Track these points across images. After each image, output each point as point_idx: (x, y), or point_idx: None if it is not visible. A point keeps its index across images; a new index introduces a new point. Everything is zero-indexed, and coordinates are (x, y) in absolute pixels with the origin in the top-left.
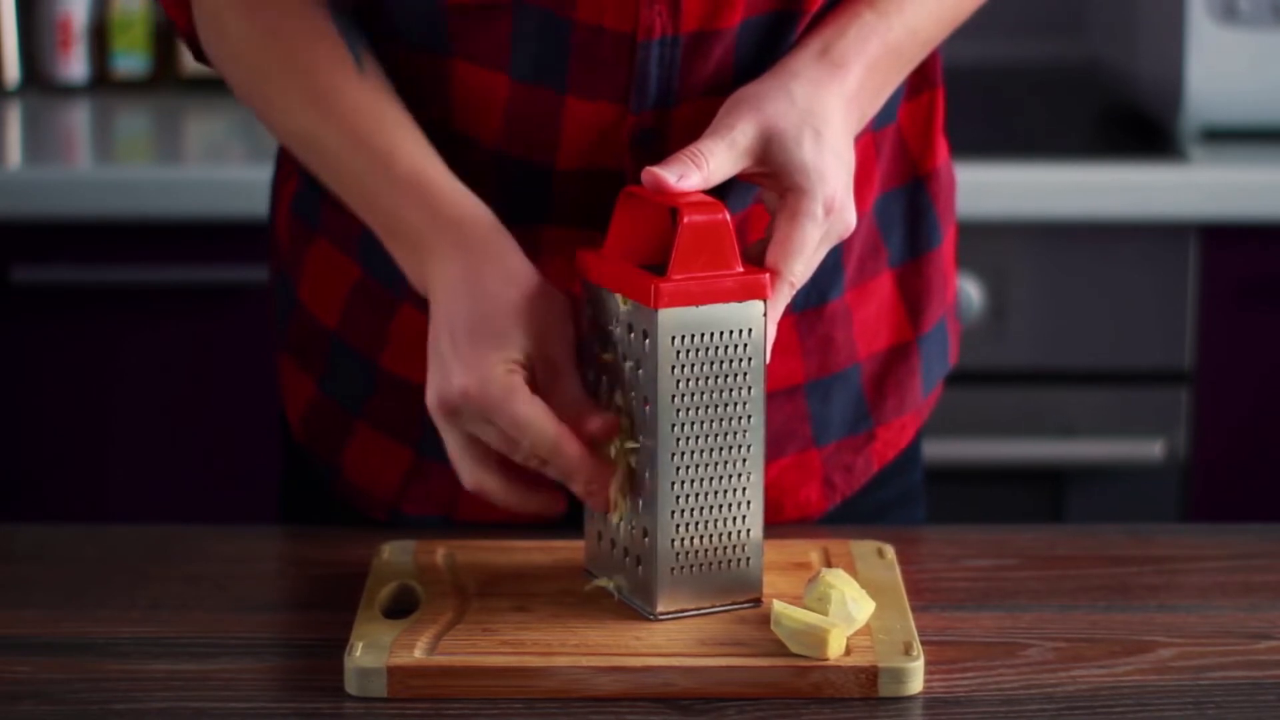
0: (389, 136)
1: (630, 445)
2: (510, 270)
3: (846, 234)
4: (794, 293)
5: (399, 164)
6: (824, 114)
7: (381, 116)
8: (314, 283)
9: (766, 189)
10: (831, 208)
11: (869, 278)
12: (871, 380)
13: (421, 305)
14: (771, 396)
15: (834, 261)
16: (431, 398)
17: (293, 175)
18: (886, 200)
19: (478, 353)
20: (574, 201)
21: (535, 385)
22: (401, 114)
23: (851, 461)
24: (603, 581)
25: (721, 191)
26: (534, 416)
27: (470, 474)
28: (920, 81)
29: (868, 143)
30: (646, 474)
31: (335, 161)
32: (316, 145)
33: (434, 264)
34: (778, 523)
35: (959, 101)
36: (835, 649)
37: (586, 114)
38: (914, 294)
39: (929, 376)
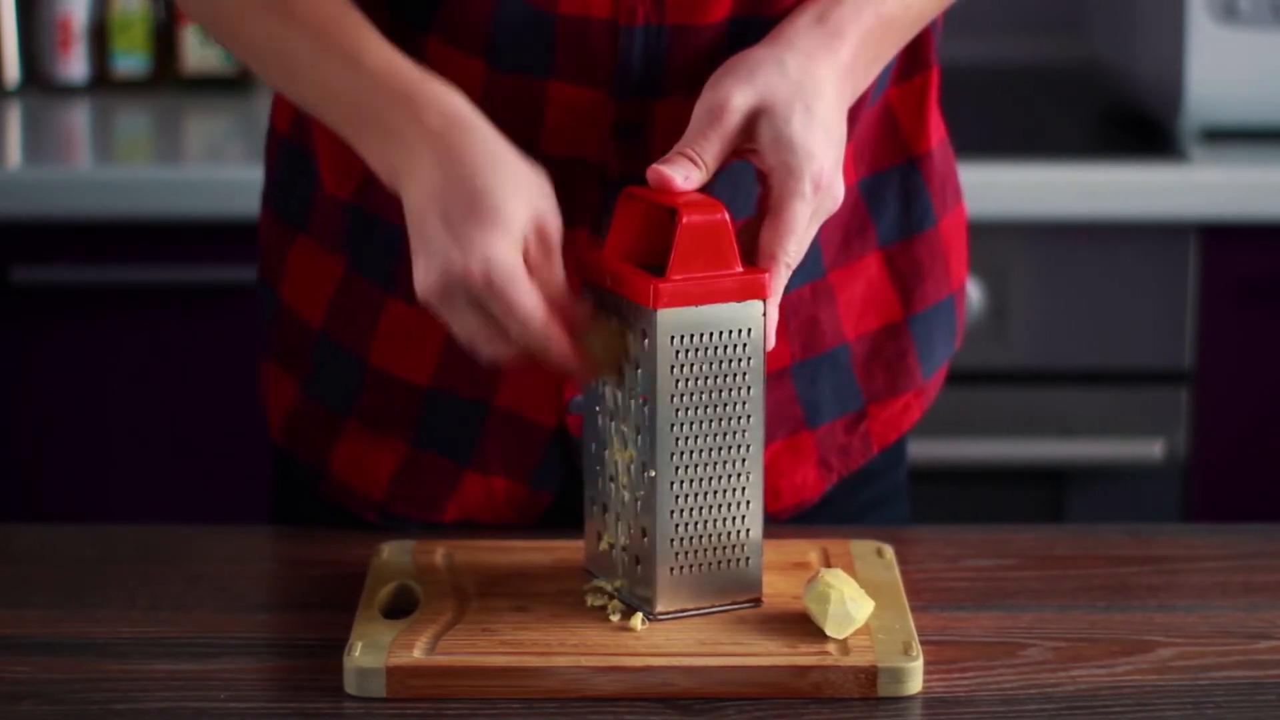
0: (355, 33)
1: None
2: (497, 150)
3: (835, 209)
4: (789, 274)
5: (367, 57)
6: (816, 87)
7: (345, 15)
8: (297, 283)
9: (754, 164)
10: (820, 185)
11: (855, 258)
12: (862, 361)
13: (412, 299)
14: None
15: (815, 241)
16: (427, 281)
17: (273, 176)
18: (876, 180)
19: (480, 232)
20: (559, 191)
21: (528, 263)
22: (363, 16)
23: (846, 442)
24: (602, 581)
25: (720, 195)
26: (529, 306)
27: (488, 349)
28: (914, 62)
29: (852, 119)
30: (646, 473)
31: (299, 64)
32: (279, 50)
33: (412, 150)
34: (776, 509)
35: (959, 101)
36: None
37: (569, 97)
38: (904, 274)
39: (929, 357)
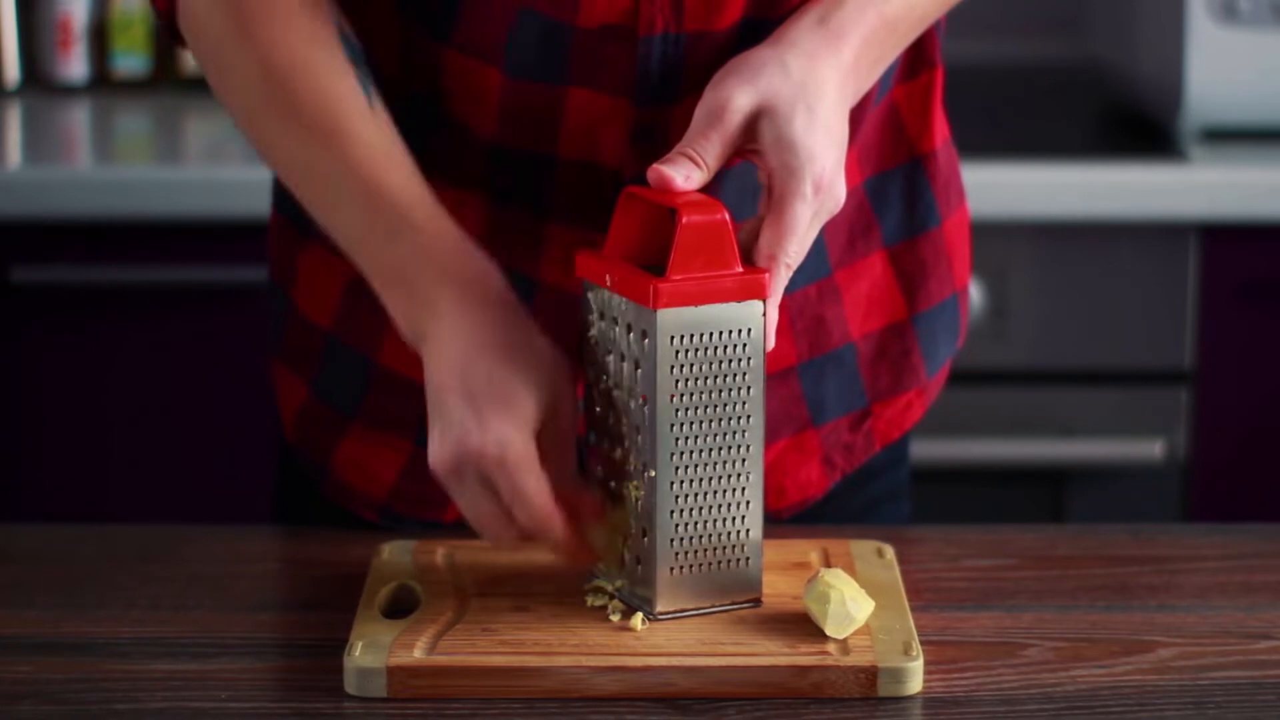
0: (400, 185)
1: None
2: (524, 333)
3: (836, 210)
4: (790, 274)
5: (413, 216)
6: (818, 88)
7: (392, 162)
8: (308, 284)
9: (756, 165)
10: (821, 186)
11: (859, 256)
12: (867, 360)
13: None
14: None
15: (820, 240)
16: (442, 453)
17: (281, 183)
18: (881, 180)
19: (498, 414)
20: (575, 196)
21: (539, 450)
22: (410, 161)
23: (851, 441)
24: (603, 581)
25: (723, 196)
26: (537, 492)
27: (493, 528)
28: (918, 62)
29: (856, 119)
30: (646, 473)
31: (338, 202)
32: (318, 181)
33: (440, 320)
34: (781, 506)
35: (960, 101)
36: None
37: (588, 103)
38: (908, 273)
39: (933, 356)
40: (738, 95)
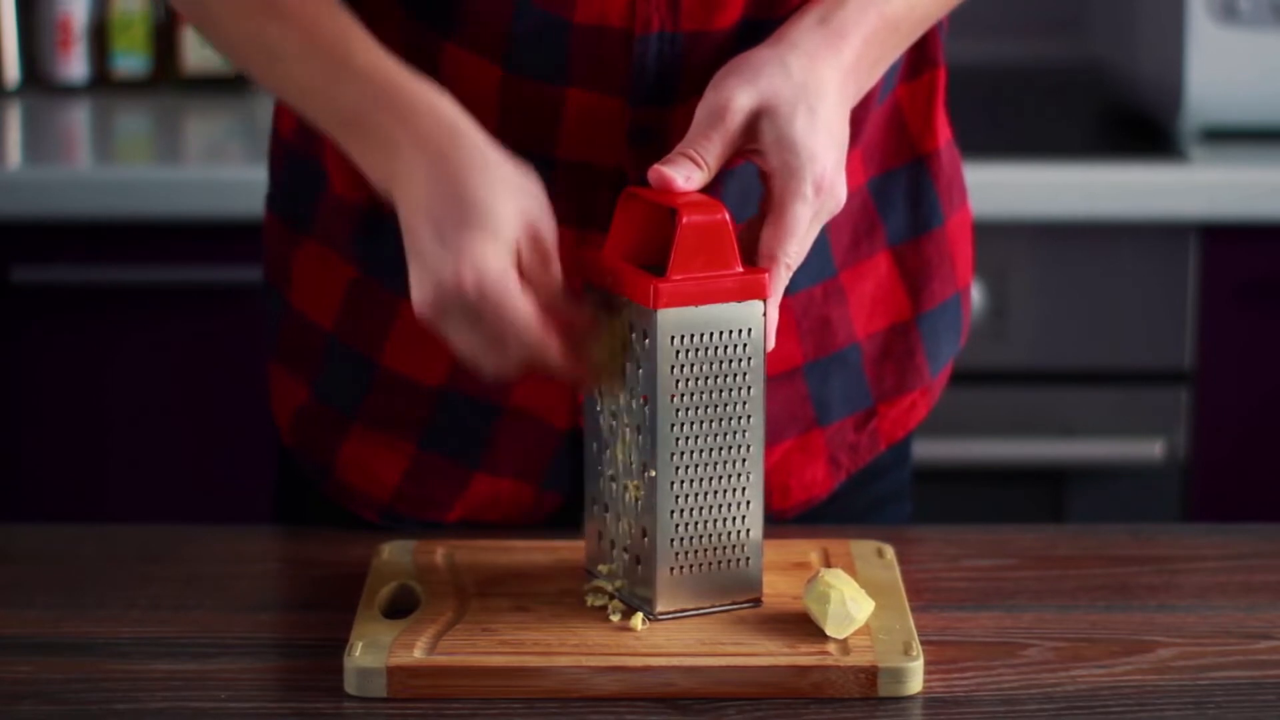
0: (343, 33)
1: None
2: (487, 157)
3: (837, 210)
4: (790, 275)
5: (356, 59)
6: (819, 88)
7: (333, 15)
8: (305, 284)
9: (757, 165)
10: (821, 186)
11: (864, 257)
12: (871, 360)
13: None
14: (771, 380)
15: (824, 241)
16: (422, 295)
17: (277, 181)
18: (885, 180)
19: (470, 241)
20: (575, 197)
21: (522, 270)
22: (351, 15)
23: (856, 441)
24: (603, 581)
25: (724, 197)
26: (522, 313)
27: (489, 363)
28: (921, 61)
29: (859, 119)
30: (646, 473)
31: (288, 63)
32: (267, 49)
33: (402, 157)
34: (786, 506)
35: (959, 102)
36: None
37: (586, 104)
38: (913, 273)
39: (936, 355)
40: (739, 95)
